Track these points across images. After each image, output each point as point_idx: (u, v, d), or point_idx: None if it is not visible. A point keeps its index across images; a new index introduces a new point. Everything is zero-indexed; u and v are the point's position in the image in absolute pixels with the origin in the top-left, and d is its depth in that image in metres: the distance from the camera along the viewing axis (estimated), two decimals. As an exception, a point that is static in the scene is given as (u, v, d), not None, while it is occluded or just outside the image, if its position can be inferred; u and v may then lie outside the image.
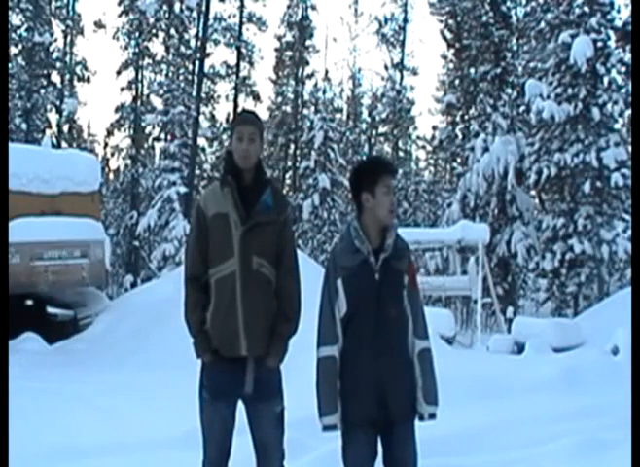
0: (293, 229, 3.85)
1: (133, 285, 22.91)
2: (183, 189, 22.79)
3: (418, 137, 37.74)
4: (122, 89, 29.58)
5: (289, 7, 33.21)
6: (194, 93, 26.44)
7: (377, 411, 3.28)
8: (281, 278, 3.53)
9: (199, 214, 3.53)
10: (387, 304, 3.30)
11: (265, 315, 3.48)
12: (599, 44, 16.74)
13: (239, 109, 30.03)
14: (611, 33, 17.38)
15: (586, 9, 17.05)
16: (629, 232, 14.78)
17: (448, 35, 25.72)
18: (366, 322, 3.30)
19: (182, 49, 28.46)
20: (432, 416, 3.36)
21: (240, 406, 3.56)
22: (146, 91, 29.79)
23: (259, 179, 3.56)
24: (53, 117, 28.69)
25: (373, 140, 35.33)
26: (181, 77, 27.72)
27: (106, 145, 32.89)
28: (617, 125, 17.59)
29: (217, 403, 3.48)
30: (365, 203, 3.39)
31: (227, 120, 32.57)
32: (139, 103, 29.26)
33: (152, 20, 28.33)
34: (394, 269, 3.33)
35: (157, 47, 29.50)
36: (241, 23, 30.19)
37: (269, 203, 3.53)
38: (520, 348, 10.84)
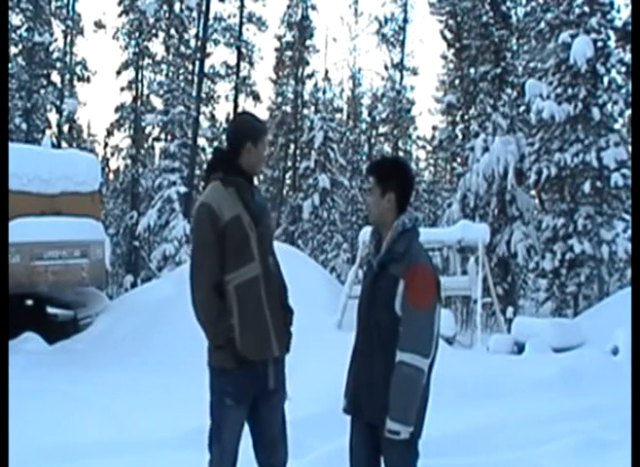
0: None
1: (133, 285, 22.90)
2: (183, 189, 22.79)
3: (418, 137, 37.69)
4: (122, 89, 29.56)
5: (289, 7, 33.14)
6: (194, 93, 26.43)
7: (356, 408, 3.30)
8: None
9: (214, 218, 3.37)
10: (373, 306, 3.25)
11: (282, 312, 3.58)
12: (599, 44, 16.70)
13: (239, 109, 30.02)
14: (611, 33, 17.32)
15: (586, 9, 17.01)
16: (629, 232, 14.76)
17: (448, 35, 25.70)
18: (360, 320, 3.35)
19: (182, 49, 28.42)
20: (393, 433, 3.07)
21: None
22: (146, 91, 29.77)
23: (250, 179, 3.59)
24: (53, 117, 28.68)
25: (373, 140, 35.25)
26: (181, 77, 27.68)
27: (106, 145, 32.87)
28: (617, 126, 17.54)
29: (240, 407, 3.45)
30: None
31: (227, 120, 32.54)
32: (139, 103, 29.22)
33: (152, 20, 28.28)
34: (388, 273, 3.21)
35: (157, 47, 29.50)
36: (241, 23, 30.16)
37: (262, 201, 3.60)
38: (520, 348, 10.82)
